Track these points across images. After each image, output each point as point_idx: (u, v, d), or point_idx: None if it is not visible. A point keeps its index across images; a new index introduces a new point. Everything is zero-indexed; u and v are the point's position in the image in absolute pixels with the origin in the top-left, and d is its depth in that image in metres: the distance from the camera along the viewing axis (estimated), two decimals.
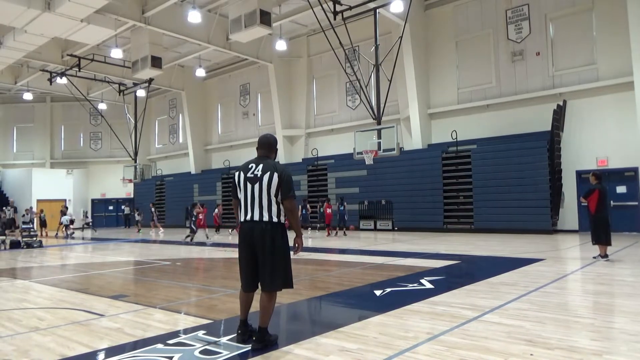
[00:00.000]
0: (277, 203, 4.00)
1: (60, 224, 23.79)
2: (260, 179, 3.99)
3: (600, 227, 8.93)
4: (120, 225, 32.15)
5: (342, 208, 18.25)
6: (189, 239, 16.81)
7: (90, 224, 27.46)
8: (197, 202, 19.22)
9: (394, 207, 19.48)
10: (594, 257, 9.09)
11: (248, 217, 4.02)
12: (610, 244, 8.96)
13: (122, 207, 32.15)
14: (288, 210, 4.05)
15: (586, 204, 9.22)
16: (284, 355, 3.78)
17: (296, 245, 4.19)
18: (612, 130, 15.59)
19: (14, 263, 11.54)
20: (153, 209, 25.16)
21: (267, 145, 4.23)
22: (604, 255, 8.93)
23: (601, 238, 8.92)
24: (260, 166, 4.06)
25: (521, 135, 17.26)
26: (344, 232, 18.32)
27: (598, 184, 9.09)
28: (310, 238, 17.14)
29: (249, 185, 4.04)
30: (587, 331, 4.26)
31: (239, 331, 4.12)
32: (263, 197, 3.98)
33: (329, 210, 18.59)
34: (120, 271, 9.57)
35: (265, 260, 3.94)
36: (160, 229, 24.57)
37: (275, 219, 3.97)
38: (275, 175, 3.98)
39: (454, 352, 3.73)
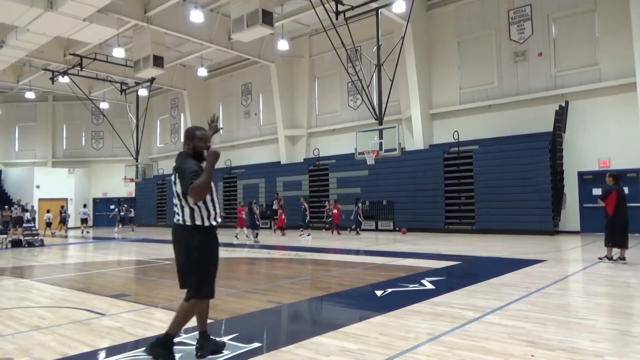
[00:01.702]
0: (187, 203, 3.67)
1: (61, 222, 24.04)
2: (174, 182, 3.78)
3: (616, 229, 8.72)
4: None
5: (356, 208, 18.43)
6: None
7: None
8: (253, 200, 18.62)
9: (395, 207, 19.47)
10: (600, 258, 8.99)
11: (174, 220, 3.84)
12: (626, 247, 8.74)
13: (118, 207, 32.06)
14: (192, 196, 3.50)
15: (604, 205, 8.96)
16: (285, 355, 3.78)
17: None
18: (614, 132, 15.55)
19: (15, 262, 11.56)
20: (117, 210, 25.19)
21: (184, 141, 3.86)
22: (610, 257, 8.81)
23: (617, 241, 8.71)
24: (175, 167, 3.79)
25: (523, 136, 17.22)
26: (357, 232, 18.44)
27: (615, 185, 8.90)
28: (310, 236, 17.13)
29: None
30: (589, 332, 4.25)
31: (198, 345, 3.83)
32: (174, 200, 3.79)
33: (335, 211, 18.71)
34: (122, 270, 9.58)
35: (178, 264, 3.76)
36: (119, 228, 24.94)
37: (188, 222, 3.66)
38: (176, 173, 3.70)
39: (455, 352, 3.72)
